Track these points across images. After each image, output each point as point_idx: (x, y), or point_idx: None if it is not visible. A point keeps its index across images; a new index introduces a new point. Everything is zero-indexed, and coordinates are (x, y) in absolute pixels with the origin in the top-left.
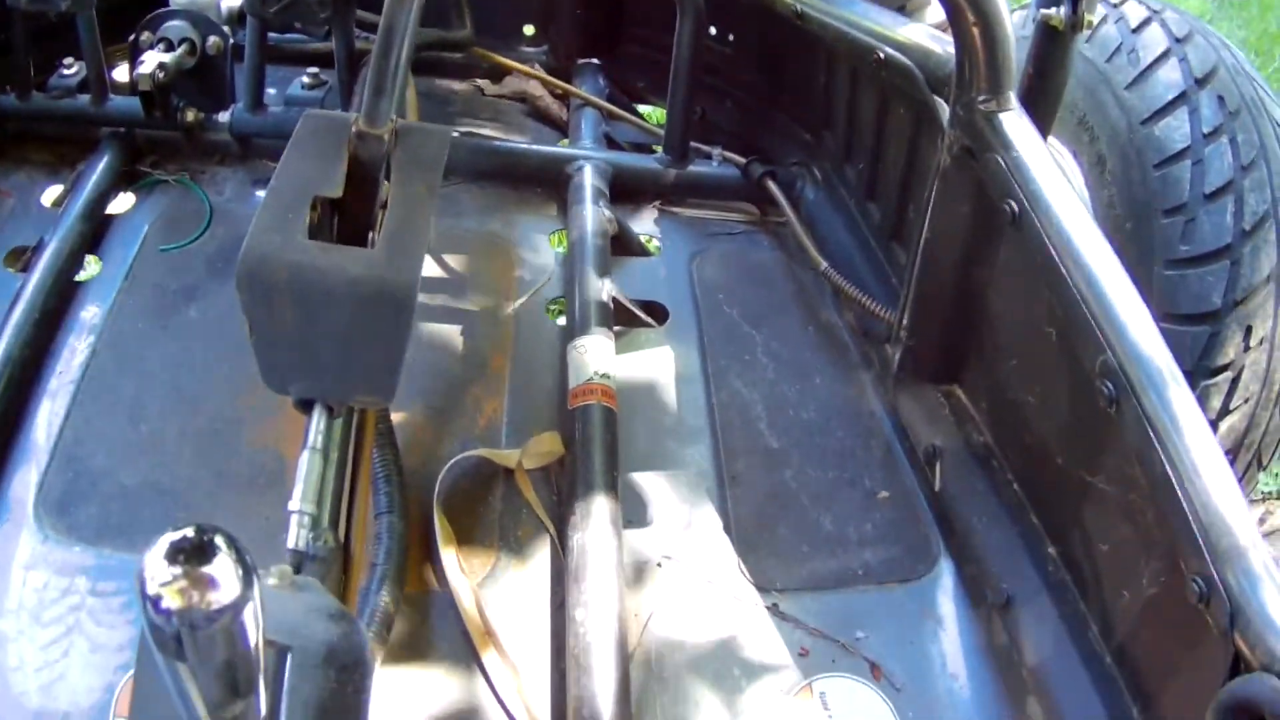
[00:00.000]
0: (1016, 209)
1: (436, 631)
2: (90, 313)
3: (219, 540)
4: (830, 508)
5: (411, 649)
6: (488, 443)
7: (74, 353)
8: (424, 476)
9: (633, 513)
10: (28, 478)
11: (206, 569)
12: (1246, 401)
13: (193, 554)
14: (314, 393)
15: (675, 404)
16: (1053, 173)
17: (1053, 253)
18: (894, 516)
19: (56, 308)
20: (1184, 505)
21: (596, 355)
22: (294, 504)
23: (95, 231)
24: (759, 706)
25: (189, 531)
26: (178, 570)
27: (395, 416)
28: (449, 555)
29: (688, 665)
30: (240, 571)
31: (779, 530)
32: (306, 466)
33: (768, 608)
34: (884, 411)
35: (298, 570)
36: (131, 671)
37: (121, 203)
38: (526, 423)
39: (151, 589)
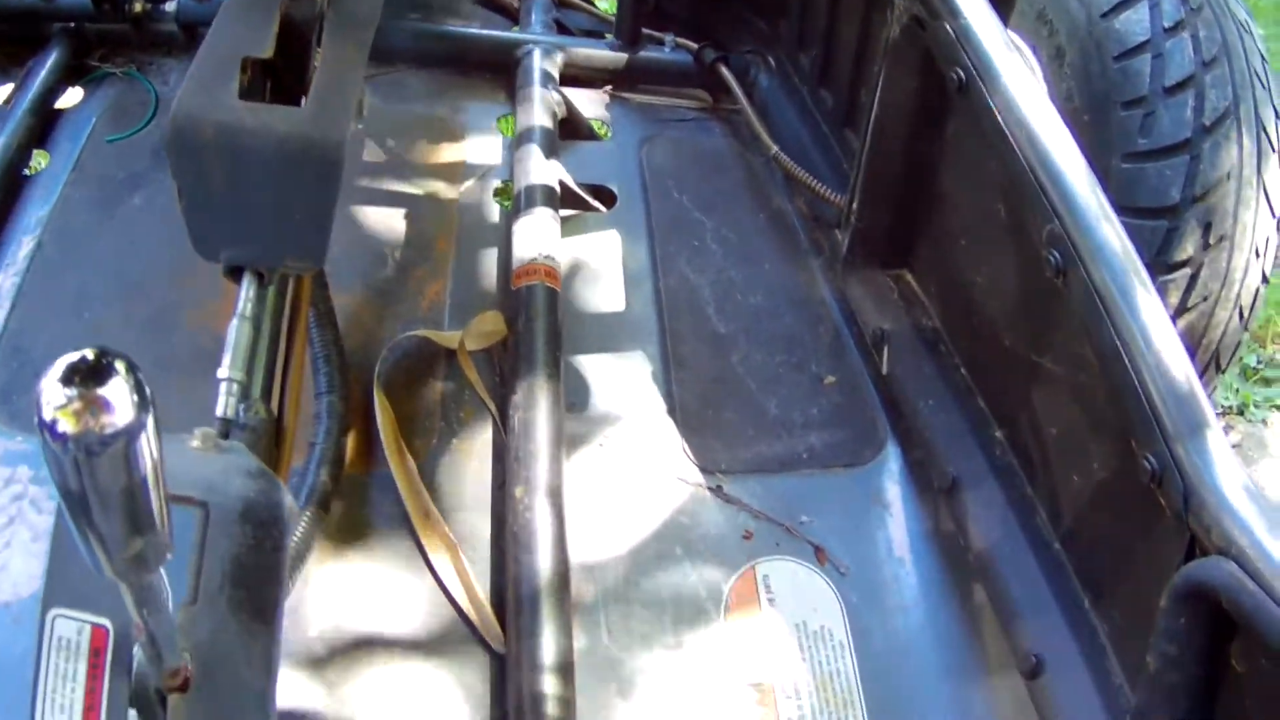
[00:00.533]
0: (964, 76)
1: (376, 511)
2: (37, 205)
3: (117, 364)
4: (776, 392)
5: (351, 529)
6: (430, 325)
7: (20, 245)
8: (365, 358)
9: (576, 394)
10: None
11: (101, 391)
12: (1205, 300)
13: (89, 375)
14: (244, 259)
15: (621, 288)
16: (1000, 40)
17: (999, 120)
18: (840, 401)
19: (3, 202)
20: (1133, 378)
21: (540, 236)
22: (222, 372)
23: (43, 126)
24: (701, 588)
25: (88, 353)
26: (72, 392)
27: (336, 298)
28: (389, 435)
29: (629, 545)
30: (136, 397)
31: (724, 414)
32: (235, 334)
33: (711, 489)
34: (833, 297)
35: (225, 437)
36: None
37: (70, 97)
38: (470, 306)
39: (47, 414)
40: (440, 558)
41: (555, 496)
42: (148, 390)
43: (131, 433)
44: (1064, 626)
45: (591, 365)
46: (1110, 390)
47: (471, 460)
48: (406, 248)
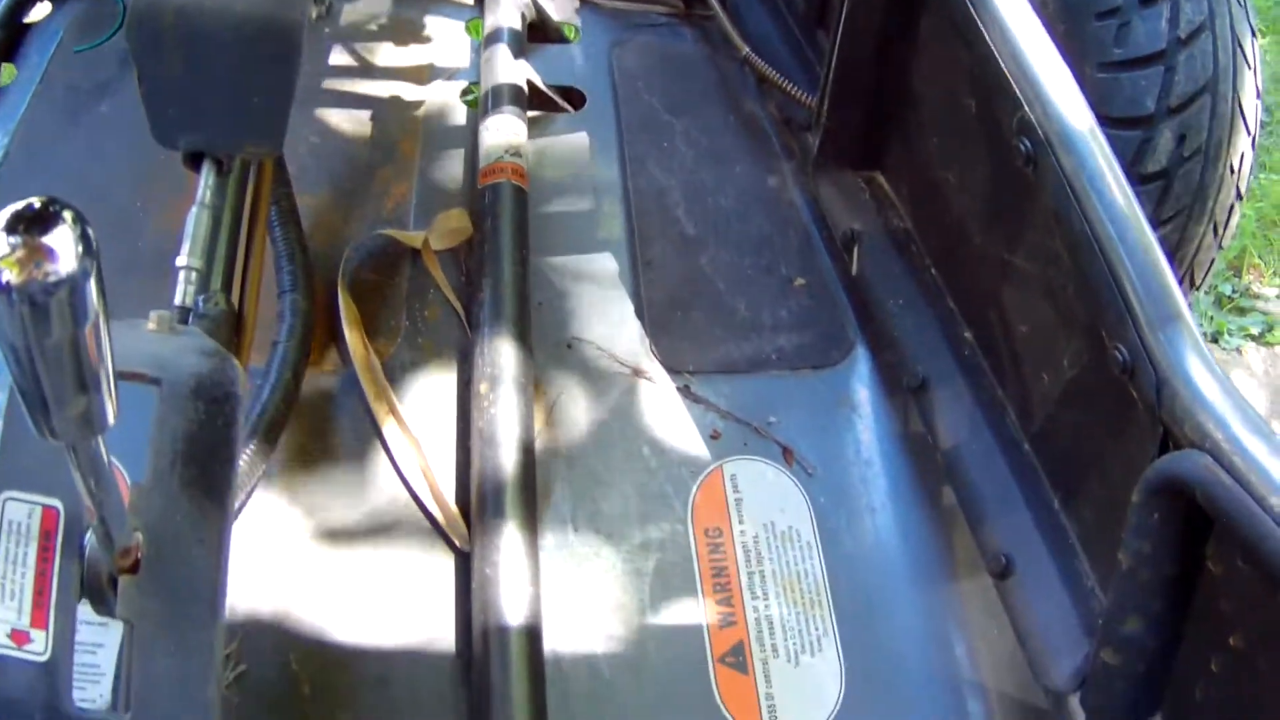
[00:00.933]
0: None
1: (340, 408)
2: (4, 118)
3: (65, 213)
4: (745, 294)
5: (315, 426)
6: (396, 225)
7: None
8: (329, 258)
9: (543, 293)
10: None
11: (46, 239)
12: (1179, 214)
13: (33, 223)
14: (202, 144)
15: (590, 188)
16: None
17: (968, 5)
18: (810, 304)
19: None
20: (1104, 265)
21: (507, 134)
22: (180, 260)
23: (11, 40)
24: (668, 487)
25: (34, 201)
26: (16, 240)
27: (301, 199)
28: (353, 334)
29: (595, 443)
30: (81, 247)
31: (692, 314)
32: (194, 222)
33: (678, 389)
34: (803, 200)
35: (183, 324)
36: None
37: (39, 12)
38: (435, 206)
39: None
40: (405, 455)
41: (521, 394)
42: (94, 240)
43: (75, 281)
44: (1034, 527)
45: (559, 265)
46: (1080, 281)
47: (437, 359)
48: (372, 148)
